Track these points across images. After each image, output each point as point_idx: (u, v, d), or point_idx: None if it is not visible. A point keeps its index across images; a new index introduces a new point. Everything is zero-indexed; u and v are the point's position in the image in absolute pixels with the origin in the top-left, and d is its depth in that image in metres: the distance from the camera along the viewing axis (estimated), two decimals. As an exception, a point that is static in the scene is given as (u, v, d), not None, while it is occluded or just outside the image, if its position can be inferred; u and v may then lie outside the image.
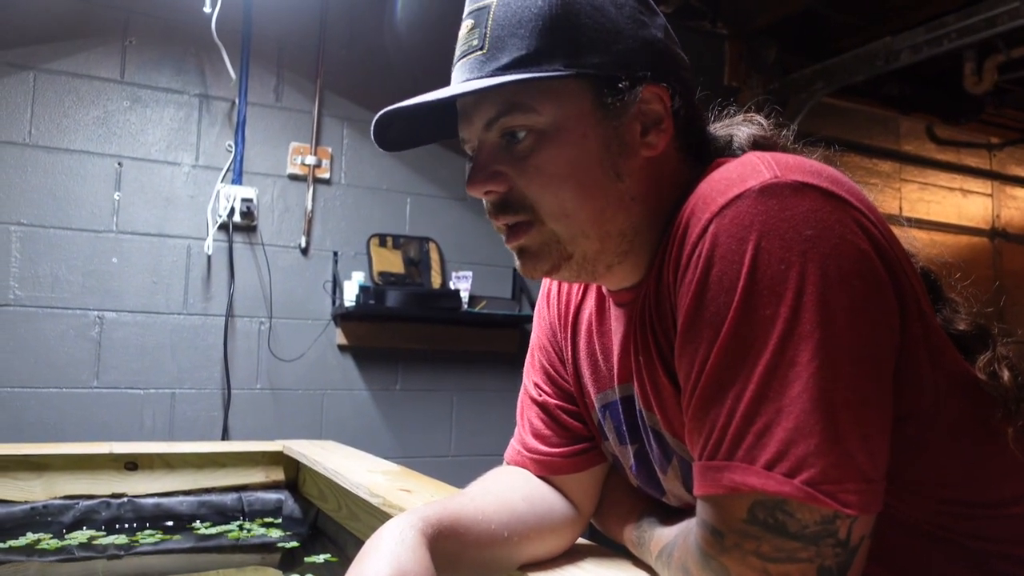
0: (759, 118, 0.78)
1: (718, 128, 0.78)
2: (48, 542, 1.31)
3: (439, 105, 0.71)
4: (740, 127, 0.77)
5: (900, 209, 4.29)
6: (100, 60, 2.49)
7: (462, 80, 0.69)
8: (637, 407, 0.77)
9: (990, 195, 4.68)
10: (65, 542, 1.31)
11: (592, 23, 0.67)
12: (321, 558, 1.28)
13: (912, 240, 0.71)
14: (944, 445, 0.65)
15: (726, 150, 0.75)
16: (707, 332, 0.59)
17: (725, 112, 0.81)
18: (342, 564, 1.26)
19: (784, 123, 0.78)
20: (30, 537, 1.32)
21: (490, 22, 0.68)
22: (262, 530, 1.45)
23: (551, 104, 0.67)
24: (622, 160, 0.69)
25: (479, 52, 0.68)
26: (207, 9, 2.49)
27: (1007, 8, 2.67)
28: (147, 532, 1.40)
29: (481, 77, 0.67)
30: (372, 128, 0.74)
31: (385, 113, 0.72)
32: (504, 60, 0.66)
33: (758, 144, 0.74)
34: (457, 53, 0.71)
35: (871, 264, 0.58)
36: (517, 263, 0.74)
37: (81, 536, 1.35)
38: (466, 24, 0.71)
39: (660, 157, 0.71)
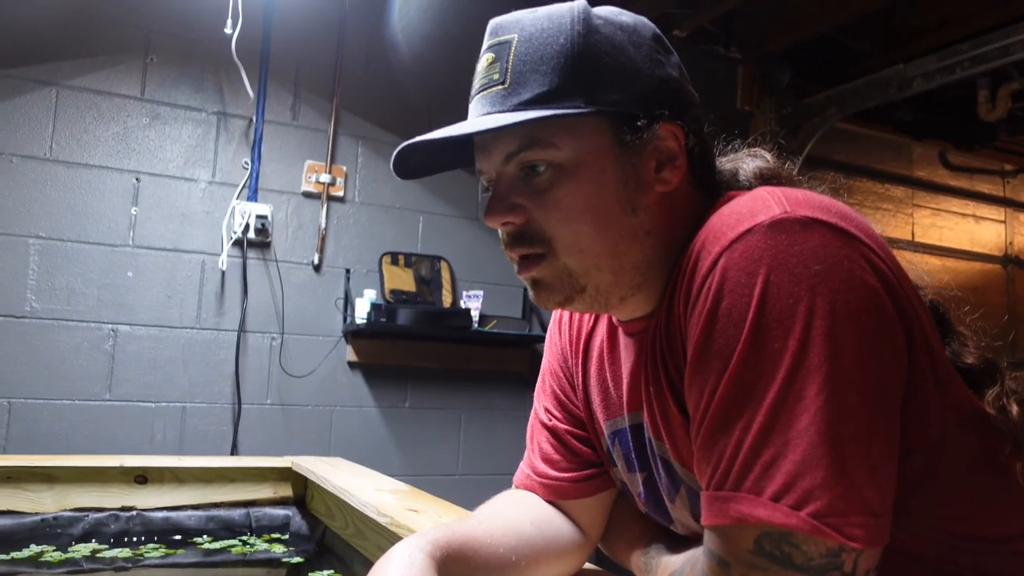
0: (763, 152, 0.79)
1: (724, 162, 0.79)
2: (51, 554, 1.31)
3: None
4: (745, 160, 0.78)
5: (912, 235, 4.28)
6: (121, 77, 2.53)
7: (482, 113, 0.70)
8: (647, 436, 0.77)
9: (1003, 222, 4.66)
10: (68, 555, 1.32)
11: (612, 62, 0.68)
12: (325, 574, 1.28)
13: (921, 273, 0.71)
14: (952, 479, 0.65)
15: (733, 183, 0.76)
16: (716, 364, 0.60)
17: (730, 146, 0.82)
18: None
19: (789, 156, 0.79)
20: (33, 549, 1.32)
21: (512, 57, 0.69)
22: (265, 545, 1.45)
23: (571, 140, 0.68)
24: (638, 195, 0.70)
25: (500, 86, 0.69)
26: (228, 30, 2.53)
27: (1021, 37, 2.68)
28: (150, 546, 1.40)
29: (503, 111, 0.68)
30: (392, 160, 0.75)
31: (407, 146, 0.73)
32: (525, 96, 0.67)
33: (763, 177, 0.75)
34: (476, 86, 0.72)
35: (879, 299, 0.59)
36: (531, 294, 0.75)
37: (84, 549, 1.35)
38: (486, 57, 0.71)
39: (673, 192, 0.72)
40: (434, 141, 0.71)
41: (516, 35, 0.69)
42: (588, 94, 0.67)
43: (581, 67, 0.67)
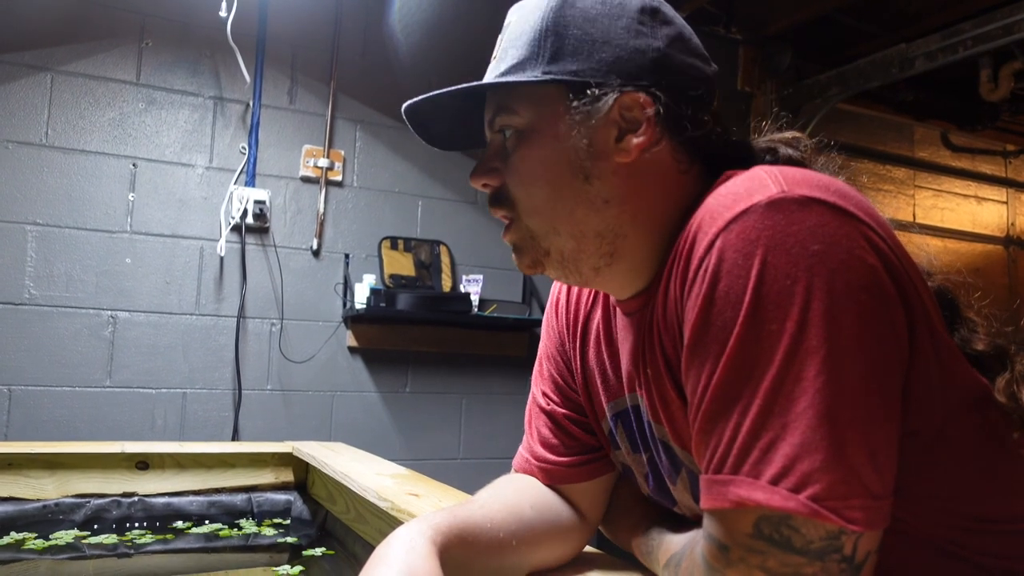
0: (807, 141, 0.77)
1: (760, 142, 0.77)
2: (33, 542, 1.30)
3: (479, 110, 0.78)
4: (782, 148, 0.76)
5: (914, 216, 4.26)
6: (116, 62, 2.51)
7: None
8: (645, 418, 0.77)
9: (1005, 202, 4.65)
10: (51, 542, 1.31)
11: (580, 33, 0.70)
12: (318, 551, 1.30)
13: (931, 257, 0.70)
14: (956, 459, 0.65)
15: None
16: (714, 346, 0.59)
17: (779, 125, 0.80)
18: (339, 556, 1.28)
19: (824, 146, 0.77)
20: (14, 536, 1.31)
21: (506, 36, 0.75)
22: (267, 530, 1.46)
23: (529, 107, 0.72)
24: (591, 163, 0.71)
25: (493, 61, 0.75)
26: (223, 13, 2.51)
27: (1024, 16, 2.66)
28: (136, 532, 1.40)
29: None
30: (408, 121, 0.79)
31: (410, 107, 0.77)
32: (502, 68, 0.73)
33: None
34: None
35: (878, 279, 0.58)
36: (513, 258, 0.79)
37: (66, 536, 1.33)
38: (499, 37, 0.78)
39: (640, 163, 0.72)
40: (456, 111, 0.78)
41: (516, 16, 0.74)
42: (548, 64, 0.70)
43: (546, 39, 0.71)
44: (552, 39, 0.70)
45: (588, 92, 0.69)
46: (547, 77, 0.70)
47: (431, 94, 0.75)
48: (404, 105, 0.78)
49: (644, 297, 0.76)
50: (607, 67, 0.70)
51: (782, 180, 0.61)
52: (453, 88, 0.74)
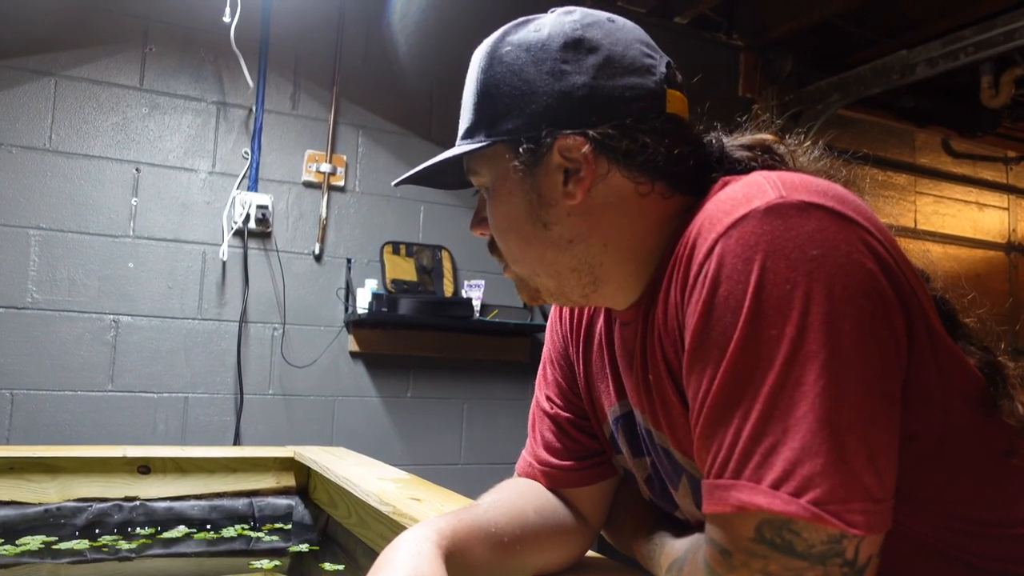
0: (774, 143, 0.77)
1: (730, 145, 0.77)
2: (4, 548, 1.28)
3: None
4: (741, 152, 0.75)
5: (915, 222, 4.26)
6: (120, 67, 2.52)
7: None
8: (644, 425, 0.78)
9: (1006, 209, 4.65)
10: (20, 548, 1.29)
11: (509, 89, 0.72)
12: (303, 546, 1.30)
13: (932, 263, 0.71)
14: (956, 462, 0.65)
15: (736, 168, 0.74)
16: (714, 352, 0.59)
17: (756, 124, 0.80)
18: (324, 550, 1.30)
19: (806, 147, 0.78)
20: None
21: (463, 95, 0.78)
22: (268, 535, 1.46)
23: (486, 168, 0.76)
24: (544, 211, 0.74)
25: (460, 119, 0.78)
26: (226, 18, 2.52)
27: (1025, 23, 2.66)
28: (109, 537, 1.39)
29: (454, 145, 0.78)
30: (418, 184, 0.84)
31: (406, 179, 0.82)
32: (462, 131, 0.77)
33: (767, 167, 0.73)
34: None
35: (877, 283, 0.58)
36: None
37: (34, 542, 1.32)
38: None
39: (592, 200, 0.72)
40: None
41: (468, 74, 0.77)
42: (489, 126, 0.74)
43: (484, 102, 0.74)
44: (487, 101, 0.74)
45: (523, 148, 0.72)
46: (489, 141, 0.73)
47: (410, 173, 0.81)
48: (394, 183, 0.84)
49: (637, 308, 0.76)
50: (538, 118, 0.71)
51: (780, 185, 0.61)
52: (422, 166, 0.79)
